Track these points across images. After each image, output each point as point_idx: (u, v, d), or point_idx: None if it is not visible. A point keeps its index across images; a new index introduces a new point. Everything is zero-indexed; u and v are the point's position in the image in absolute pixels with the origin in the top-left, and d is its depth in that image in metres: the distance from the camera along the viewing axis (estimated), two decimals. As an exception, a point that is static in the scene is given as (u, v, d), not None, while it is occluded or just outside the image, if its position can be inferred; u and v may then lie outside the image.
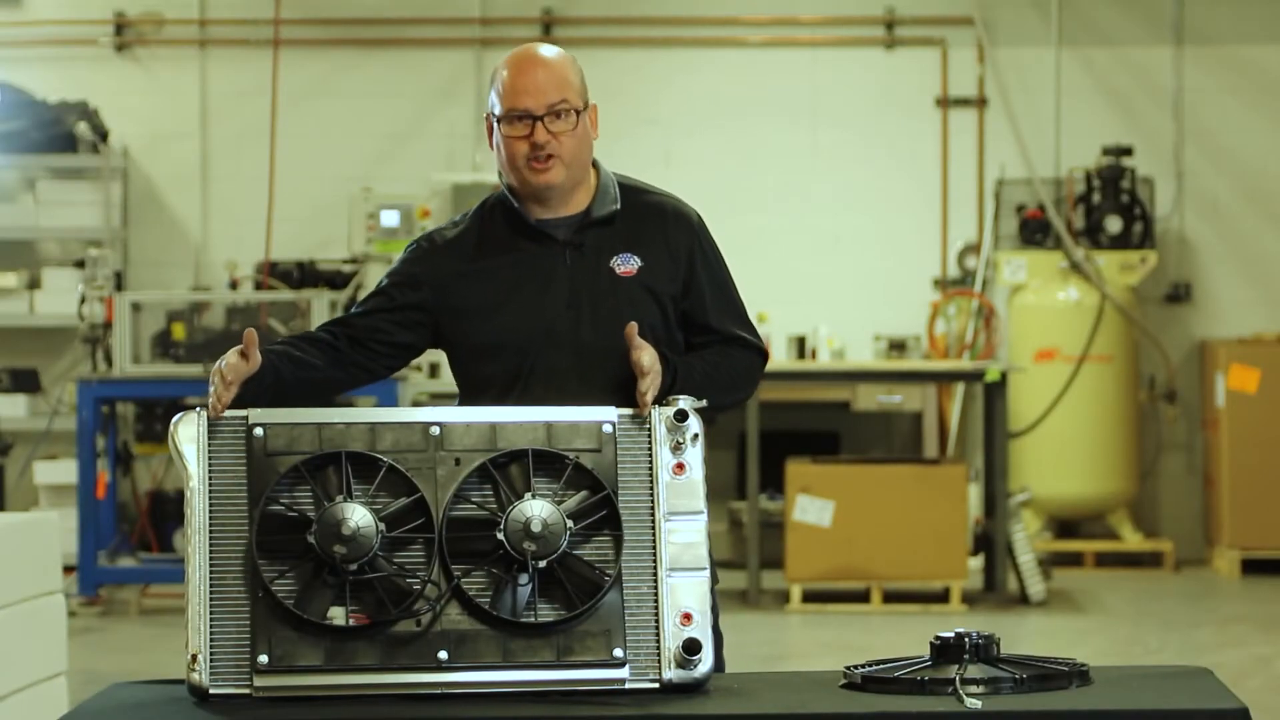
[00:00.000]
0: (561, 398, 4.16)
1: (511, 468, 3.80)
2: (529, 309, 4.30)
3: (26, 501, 12.14)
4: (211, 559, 3.73)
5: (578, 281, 4.31)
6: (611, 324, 4.25)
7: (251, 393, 3.98)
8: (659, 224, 4.38)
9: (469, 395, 4.37)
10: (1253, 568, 12.17)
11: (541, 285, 4.31)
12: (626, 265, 4.34)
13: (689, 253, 4.39)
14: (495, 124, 4.28)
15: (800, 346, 12.54)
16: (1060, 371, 12.47)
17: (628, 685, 3.72)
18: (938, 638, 3.78)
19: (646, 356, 4.12)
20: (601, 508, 3.78)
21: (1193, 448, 13.05)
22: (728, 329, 4.42)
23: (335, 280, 11.71)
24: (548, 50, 4.31)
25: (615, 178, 4.42)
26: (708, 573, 3.82)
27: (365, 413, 3.85)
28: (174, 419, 3.81)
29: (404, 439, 3.81)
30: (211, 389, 3.91)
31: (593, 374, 4.25)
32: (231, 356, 3.97)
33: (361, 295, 11.39)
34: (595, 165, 4.40)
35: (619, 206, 4.36)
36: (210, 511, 3.75)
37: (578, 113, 4.26)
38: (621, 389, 4.13)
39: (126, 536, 11.30)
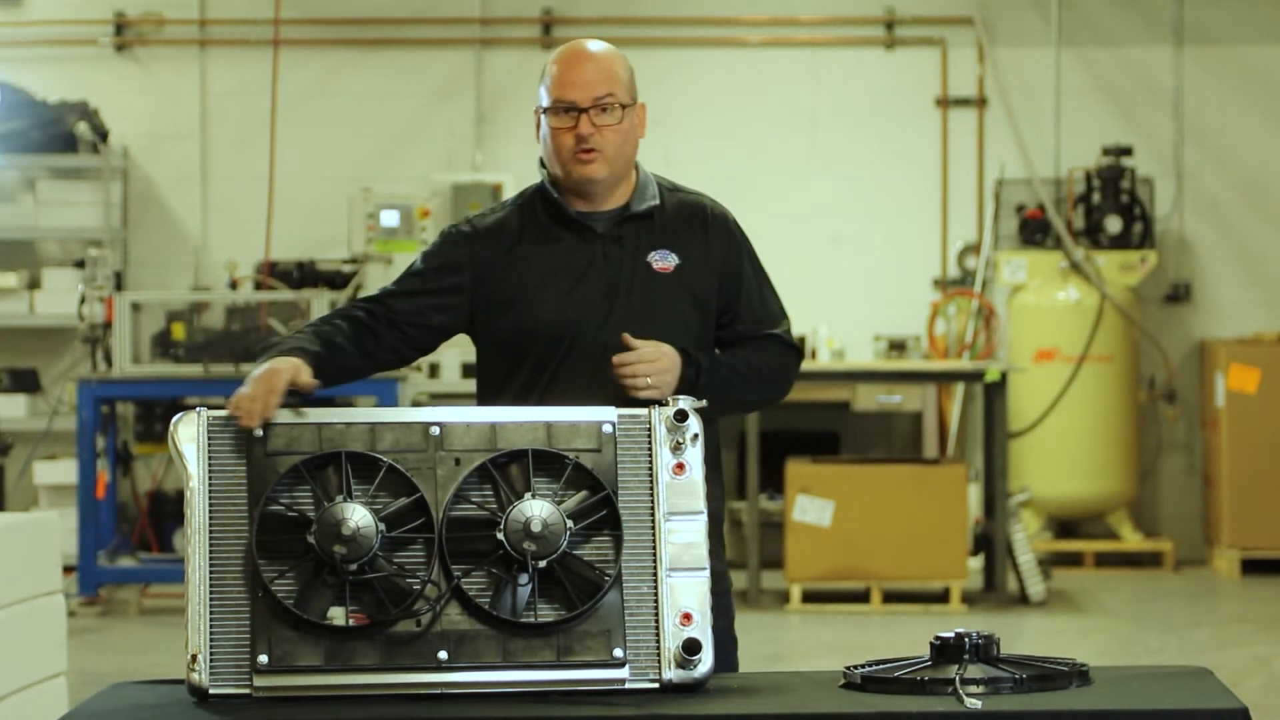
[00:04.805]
0: (589, 387, 4.21)
1: (511, 468, 3.80)
2: (565, 298, 4.31)
3: (26, 501, 12.15)
4: (211, 559, 3.72)
5: (614, 274, 4.33)
6: (645, 318, 4.29)
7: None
8: (698, 223, 4.41)
9: (495, 384, 4.38)
10: (1253, 568, 12.17)
11: (578, 276, 4.33)
12: (664, 262, 4.36)
13: (726, 252, 4.42)
14: (542, 116, 4.32)
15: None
16: (1060, 371, 12.47)
17: (628, 685, 3.72)
18: (938, 638, 3.77)
19: (638, 349, 4.18)
20: (601, 508, 3.78)
21: (1193, 448, 13.05)
22: (762, 329, 4.44)
23: (335, 280, 11.71)
24: (597, 45, 4.35)
25: (654, 176, 4.45)
26: (707, 573, 3.81)
27: (365, 413, 3.85)
28: (174, 419, 3.80)
29: (404, 439, 3.80)
30: (248, 399, 3.79)
31: None
32: (282, 381, 3.87)
33: (362, 295, 11.49)
34: (635, 165, 4.42)
35: (658, 203, 4.39)
36: (210, 511, 3.75)
37: (624, 107, 4.30)
38: None
39: (126, 536, 11.30)
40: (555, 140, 4.30)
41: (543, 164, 4.39)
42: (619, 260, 4.34)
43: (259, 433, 3.78)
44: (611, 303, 4.32)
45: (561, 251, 4.35)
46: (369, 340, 4.32)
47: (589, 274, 4.33)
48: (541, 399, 4.26)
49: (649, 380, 4.18)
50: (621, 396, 4.08)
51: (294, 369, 3.95)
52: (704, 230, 4.41)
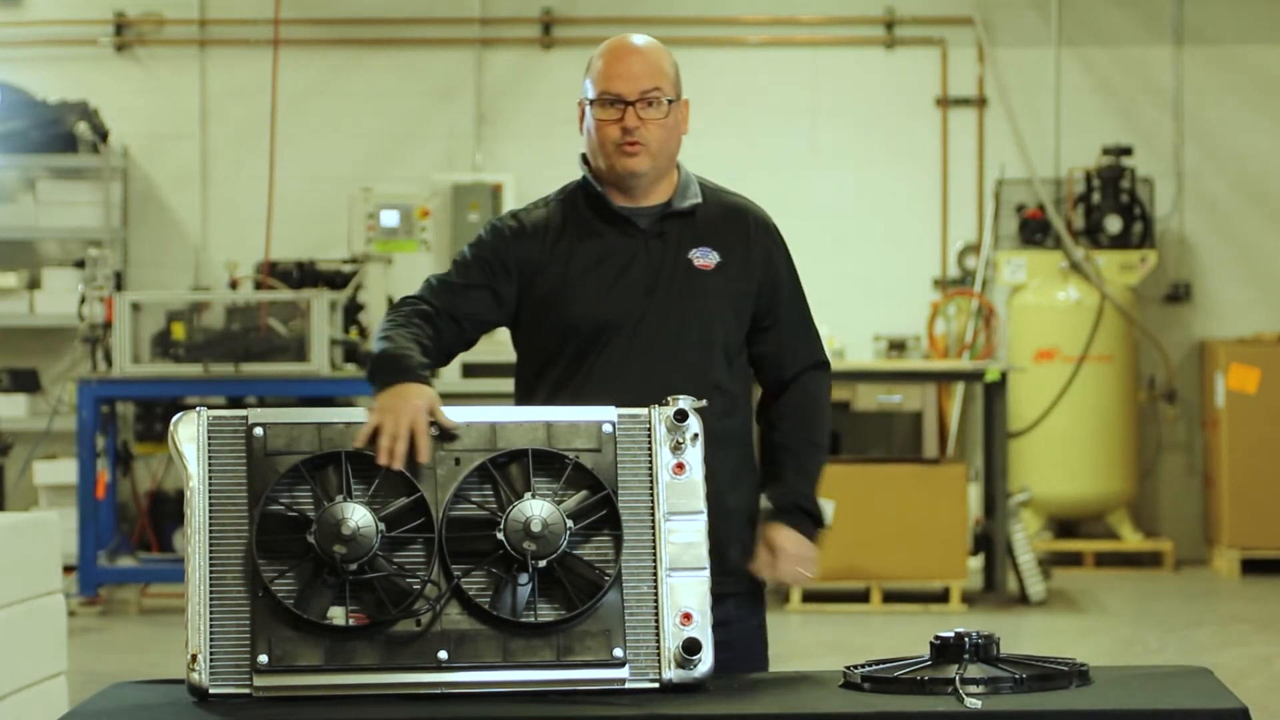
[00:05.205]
0: (626, 381, 4.21)
1: (511, 468, 3.80)
2: (606, 293, 4.31)
3: (26, 501, 12.15)
4: (211, 559, 3.72)
5: (657, 270, 4.33)
6: (683, 314, 4.29)
7: None
8: (740, 224, 4.41)
9: (532, 378, 4.37)
10: (1252, 568, 12.17)
11: (620, 271, 4.32)
12: (705, 259, 4.36)
13: (768, 259, 4.42)
14: (587, 108, 4.33)
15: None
16: (1060, 371, 12.47)
17: (628, 685, 3.72)
18: (938, 638, 3.77)
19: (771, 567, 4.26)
20: (601, 507, 3.77)
21: (1193, 448, 13.05)
22: (801, 352, 4.45)
23: (335, 280, 11.70)
24: (644, 40, 4.40)
25: (695, 176, 4.45)
26: (707, 572, 3.81)
27: (365, 413, 3.84)
28: (174, 419, 3.80)
29: (404, 439, 3.80)
30: (390, 438, 3.77)
31: (660, 361, 4.28)
32: (425, 420, 3.82)
33: (361, 296, 11.51)
34: (676, 163, 4.42)
35: (700, 201, 4.39)
36: (210, 511, 3.74)
37: (669, 102, 4.31)
38: (687, 376, 4.22)
39: (126, 536, 11.30)
40: (600, 132, 4.31)
41: (584, 160, 4.40)
42: (660, 255, 4.34)
43: (259, 432, 3.78)
44: (652, 297, 4.32)
45: (605, 246, 4.34)
46: (438, 340, 4.28)
47: (631, 268, 4.33)
48: (579, 392, 4.25)
49: (802, 573, 4.30)
50: (659, 393, 4.05)
51: (431, 403, 3.86)
52: (746, 233, 4.41)
